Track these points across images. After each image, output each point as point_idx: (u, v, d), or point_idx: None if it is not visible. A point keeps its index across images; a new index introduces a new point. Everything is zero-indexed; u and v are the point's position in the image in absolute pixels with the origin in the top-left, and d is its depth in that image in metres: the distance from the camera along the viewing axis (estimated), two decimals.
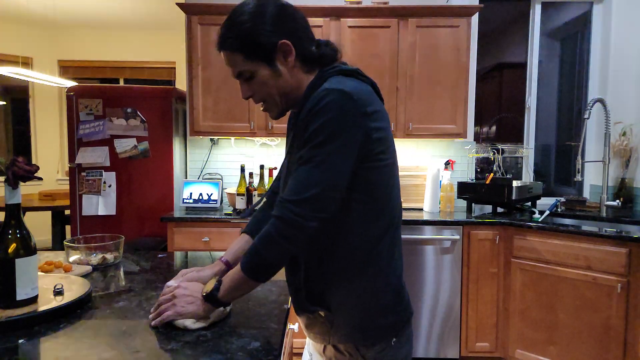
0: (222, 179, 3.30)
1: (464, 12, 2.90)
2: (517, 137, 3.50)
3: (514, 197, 2.75)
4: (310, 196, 0.90)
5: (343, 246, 0.99)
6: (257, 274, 0.96)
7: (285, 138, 3.19)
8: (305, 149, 0.92)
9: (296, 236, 0.91)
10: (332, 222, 0.95)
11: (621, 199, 2.99)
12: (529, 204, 3.09)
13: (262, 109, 1.08)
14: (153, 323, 0.98)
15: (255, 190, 2.82)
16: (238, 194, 2.84)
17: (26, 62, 5.37)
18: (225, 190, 3.10)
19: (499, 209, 2.94)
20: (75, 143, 3.01)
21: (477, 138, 3.54)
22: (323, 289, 1.02)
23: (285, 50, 0.99)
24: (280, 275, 1.17)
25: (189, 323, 0.97)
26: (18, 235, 1.01)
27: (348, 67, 1.05)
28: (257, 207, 1.29)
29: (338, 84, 0.94)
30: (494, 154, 3.30)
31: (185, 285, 1.03)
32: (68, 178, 3.09)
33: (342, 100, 0.91)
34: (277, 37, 0.98)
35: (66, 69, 5.64)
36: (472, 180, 3.28)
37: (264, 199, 1.28)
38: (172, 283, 1.08)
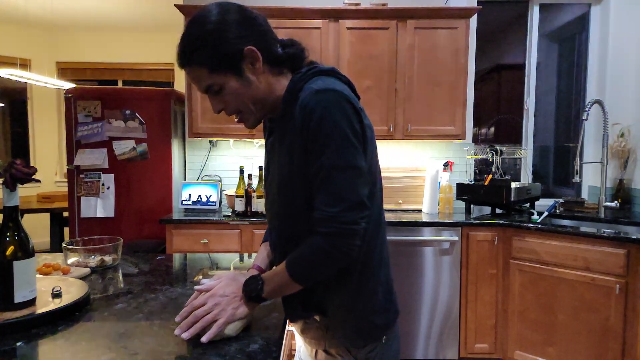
0: (220, 181, 3.29)
1: (463, 13, 2.90)
2: (515, 138, 3.50)
3: (512, 199, 2.75)
4: (352, 202, 0.90)
5: None
6: (306, 281, 0.96)
7: None
8: (324, 155, 0.90)
9: (352, 245, 0.91)
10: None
11: (619, 200, 3.00)
12: (528, 205, 3.09)
13: (236, 120, 1.03)
14: (204, 339, 0.90)
15: (254, 192, 2.82)
16: (237, 196, 2.83)
17: (24, 64, 5.36)
18: (224, 192, 3.10)
19: (498, 210, 2.94)
20: (73, 145, 3.01)
21: (476, 139, 3.54)
22: (319, 293, 1.02)
23: (252, 57, 0.95)
24: None
25: (228, 331, 0.94)
26: (16, 238, 1.01)
27: (325, 66, 1.02)
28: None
29: (325, 84, 0.93)
30: (493, 155, 3.30)
31: (221, 292, 0.97)
32: (66, 180, 3.08)
33: (339, 100, 0.91)
34: (242, 44, 0.93)
35: (64, 70, 5.64)
36: (471, 181, 3.28)
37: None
38: (206, 281, 1.04)
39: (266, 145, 1.14)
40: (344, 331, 1.03)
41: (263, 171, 1.18)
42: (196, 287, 1.02)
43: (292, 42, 1.05)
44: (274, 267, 1.04)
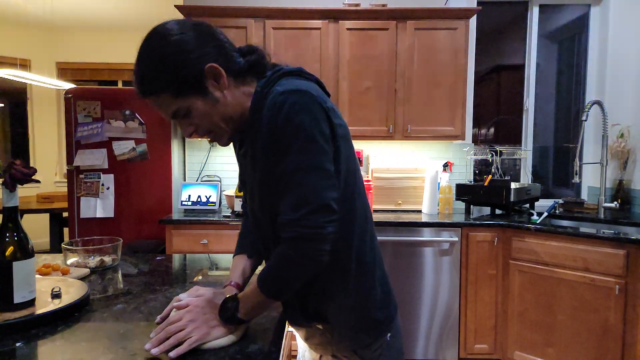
0: (220, 181, 3.29)
1: (462, 14, 2.91)
2: (515, 139, 3.50)
3: (512, 199, 2.75)
4: (316, 206, 0.86)
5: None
6: (281, 296, 0.94)
7: None
8: (289, 156, 0.87)
9: (318, 250, 0.87)
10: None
11: (619, 201, 3.00)
12: (527, 205, 3.09)
13: (209, 140, 1.02)
14: (172, 354, 0.84)
15: None
16: (236, 196, 2.83)
17: (24, 64, 5.36)
18: (223, 193, 3.10)
19: (498, 211, 2.94)
20: (73, 145, 3.01)
21: (476, 140, 3.54)
22: (317, 302, 1.02)
23: (214, 74, 0.91)
24: None
25: (209, 346, 0.90)
26: (15, 238, 1.01)
27: (292, 68, 0.99)
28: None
29: (291, 85, 0.90)
30: (492, 155, 3.30)
31: (198, 309, 0.93)
32: (66, 180, 3.08)
33: (305, 99, 0.88)
34: (203, 62, 0.89)
35: (64, 71, 5.64)
36: (471, 182, 3.28)
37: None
38: (184, 296, 1.01)
39: (238, 156, 1.10)
40: (350, 333, 1.03)
41: (239, 183, 1.15)
42: (175, 303, 0.98)
43: (251, 48, 1.01)
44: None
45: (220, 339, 0.91)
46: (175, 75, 0.87)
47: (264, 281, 0.92)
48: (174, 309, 0.97)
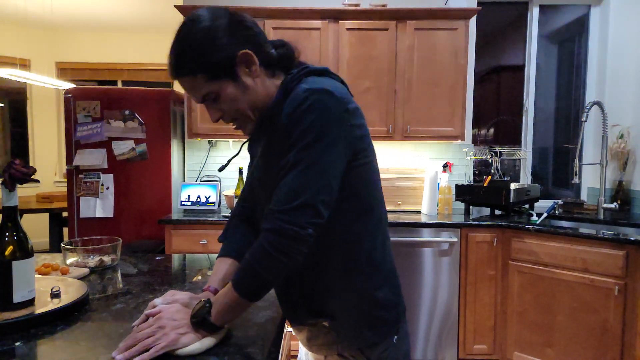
0: (220, 182, 3.29)
1: (462, 14, 2.91)
2: (515, 139, 3.50)
3: (511, 200, 2.75)
4: (303, 202, 0.84)
5: (337, 250, 0.97)
6: (253, 294, 0.89)
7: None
8: (292, 152, 0.87)
9: (293, 248, 0.85)
10: (324, 227, 0.89)
11: (619, 202, 3.00)
12: (527, 206, 3.09)
13: (234, 127, 1.01)
14: (139, 359, 0.81)
15: None
16: (236, 197, 2.83)
17: (24, 64, 5.36)
18: (223, 193, 3.10)
19: (497, 212, 2.94)
20: (73, 145, 3.01)
21: (475, 140, 3.54)
22: (322, 298, 1.00)
23: (247, 60, 0.93)
24: None
25: (181, 352, 0.86)
26: (15, 238, 1.01)
27: (318, 67, 1.00)
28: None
29: (316, 84, 0.90)
30: (492, 156, 3.30)
31: (169, 315, 0.90)
32: (66, 180, 3.08)
33: (327, 99, 0.88)
34: (236, 48, 0.91)
35: (64, 70, 5.63)
36: (470, 182, 3.28)
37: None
38: (159, 301, 0.98)
39: (252, 150, 1.10)
40: (356, 332, 1.01)
41: (249, 178, 1.13)
42: (147, 311, 0.95)
43: (282, 42, 1.03)
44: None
45: (195, 343, 0.87)
46: (206, 59, 0.90)
47: (237, 277, 0.89)
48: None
